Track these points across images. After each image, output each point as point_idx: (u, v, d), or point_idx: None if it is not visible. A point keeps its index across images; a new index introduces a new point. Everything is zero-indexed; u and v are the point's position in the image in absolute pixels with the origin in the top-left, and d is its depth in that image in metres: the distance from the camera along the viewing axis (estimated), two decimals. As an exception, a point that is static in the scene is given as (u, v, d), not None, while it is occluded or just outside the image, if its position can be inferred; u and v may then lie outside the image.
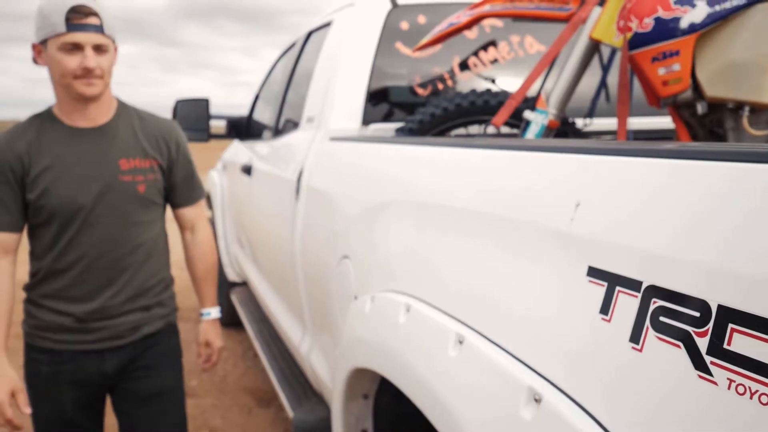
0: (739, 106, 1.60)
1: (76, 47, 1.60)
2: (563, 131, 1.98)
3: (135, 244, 1.77)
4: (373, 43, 2.23)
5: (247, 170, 3.18)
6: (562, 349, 0.82)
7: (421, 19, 2.32)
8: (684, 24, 1.58)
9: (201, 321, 2.05)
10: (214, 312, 2.04)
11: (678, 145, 0.78)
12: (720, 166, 0.70)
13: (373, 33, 2.25)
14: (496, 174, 1.11)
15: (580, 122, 2.08)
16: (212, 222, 4.42)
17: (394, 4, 2.31)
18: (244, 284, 3.92)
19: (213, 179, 4.58)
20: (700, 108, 1.66)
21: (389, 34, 2.27)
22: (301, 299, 2.20)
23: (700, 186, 0.70)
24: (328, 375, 1.97)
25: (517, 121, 1.99)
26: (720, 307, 0.63)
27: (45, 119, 1.73)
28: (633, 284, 0.73)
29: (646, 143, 0.89)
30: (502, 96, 2.02)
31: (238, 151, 3.83)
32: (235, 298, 3.86)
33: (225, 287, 4.13)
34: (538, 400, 0.81)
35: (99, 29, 1.62)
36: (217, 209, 4.32)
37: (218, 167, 4.57)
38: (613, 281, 0.76)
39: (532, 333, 0.88)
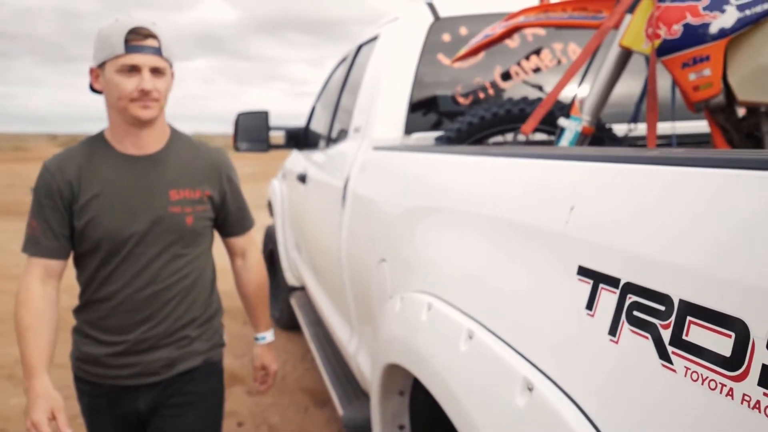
0: (773, 109, 1.60)
1: (134, 69, 1.59)
2: (599, 137, 2.00)
3: (180, 276, 1.73)
4: (416, 55, 2.32)
5: (302, 179, 3.31)
6: (553, 343, 0.88)
7: (463, 31, 2.38)
8: (714, 29, 1.59)
9: (256, 345, 2.03)
10: (268, 336, 2.03)
11: (661, 151, 0.84)
12: (692, 172, 0.75)
13: (416, 45, 2.33)
14: (505, 180, 1.18)
15: (624, 128, 2.09)
16: (273, 228, 4.61)
17: (437, 17, 2.38)
18: (303, 288, 4.06)
19: (274, 187, 4.77)
20: (739, 112, 1.67)
21: (431, 46, 2.35)
22: (348, 301, 2.30)
23: (675, 190, 0.76)
24: (371, 373, 2.06)
25: (552, 128, 2.03)
26: (681, 302, 0.68)
27: (97, 144, 1.70)
28: (612, 281, 0.79)
29: (635, 150, 0.94)
30: (537, 104, 2.06)
31: (295, 160, 3.99)
32: (294, 302, 4.01)
33: (285, 291, 4.29)
34: (530, 389, 0.87)
35: (157, 51, 1.61)
36: (278, 216, 4.50)
37: (279, 176, 4.76)
38: (597, 279, 0.82)
39: (529, 327, 0.95)
